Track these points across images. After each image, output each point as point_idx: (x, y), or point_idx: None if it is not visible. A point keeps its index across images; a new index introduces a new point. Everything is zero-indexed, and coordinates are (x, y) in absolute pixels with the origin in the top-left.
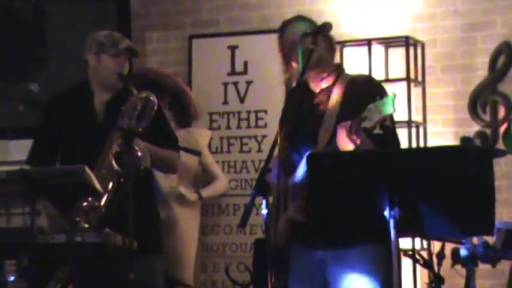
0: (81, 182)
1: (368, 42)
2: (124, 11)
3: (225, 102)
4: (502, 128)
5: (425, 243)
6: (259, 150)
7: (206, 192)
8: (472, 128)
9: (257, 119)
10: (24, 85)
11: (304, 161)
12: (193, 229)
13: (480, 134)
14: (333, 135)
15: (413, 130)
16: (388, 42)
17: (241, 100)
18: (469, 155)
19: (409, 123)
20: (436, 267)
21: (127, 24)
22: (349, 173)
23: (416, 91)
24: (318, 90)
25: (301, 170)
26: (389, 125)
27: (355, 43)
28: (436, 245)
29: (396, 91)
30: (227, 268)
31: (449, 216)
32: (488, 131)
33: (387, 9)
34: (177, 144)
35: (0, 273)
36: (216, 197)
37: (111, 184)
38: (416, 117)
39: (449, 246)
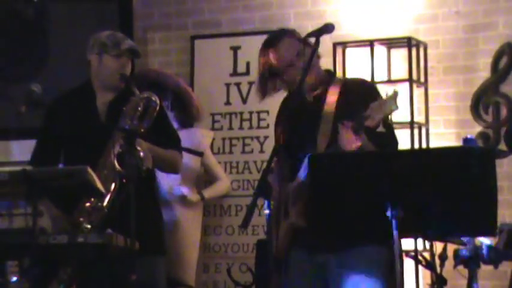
0: (83, 182)
1: (370, 43)
2: (126, 12)
3: (227, 103)
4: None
5: (427, 244)
6: (262, 151)
7: (208, 193)
8: (474, 129)
9: (259, 119)
10: (26, 86)
11: (304, 165)
12: (195, 230)
13: (482, 135)
14: (331, 139)
15: (416, 131)
16: (391, 43)
17: (244, 101)
18: (471, 156)
19: (411, 124)
20: (438, 268)
21: (129, 24)
22: (351, 174)
23: (418, 92)
24: (311, 96)
25: (301, 174)
26: (390, 123)
27: (357, 44)
28: (438, 246)
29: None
30: (229, 269)
31: (452, 217)
32: (490, 131)
33: (389, 10)
34: (179, 144)
35: (2, 274)
36: (218, 198)
37: (113, 185)
38: (419, 118)
39: (451, 247)
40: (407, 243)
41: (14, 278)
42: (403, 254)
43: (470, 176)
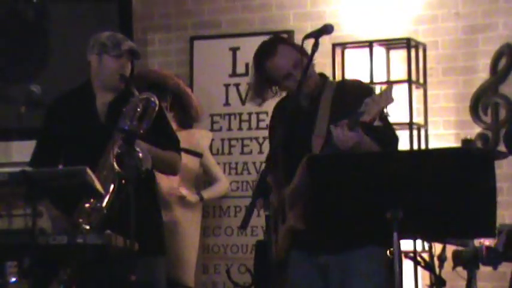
0: (82, 183)
1: (369, 44)
2: (126, 13)
3: (226, 104)
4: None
5: (426, 245)
6: (261, 152)
7: (207, 194)
8: (474, 130)
9: (258, 120)
10: (25, 86)
11: (300, 167)
12: (194, 231)
13: (481, 136)
14: (326, 140)
15: (415, 132)
16: (390, 44)
17: (243, 102)
18: (471, 157)
19: (410, 125)
20: (437, 269)
21: (129, 25)
22: (350, 174)
23: (417, 93)
24: (307, 99)
25: (297, 176)
26: (386, 117)
27: (357, 45)
28: (438, 247)
29: (397, 93)
30: (228, 270)
31: (451, 218)
32: (489, 133)
33: (389, 11)
34: (178, 146)
35: (1, 275)
36: (217, 199)
37: (112, 186)
38: (418, 119)
39: (450, 248)
40: (406, 244)
41: (14, 279)
42: (402, 255)
43: (470, 177)
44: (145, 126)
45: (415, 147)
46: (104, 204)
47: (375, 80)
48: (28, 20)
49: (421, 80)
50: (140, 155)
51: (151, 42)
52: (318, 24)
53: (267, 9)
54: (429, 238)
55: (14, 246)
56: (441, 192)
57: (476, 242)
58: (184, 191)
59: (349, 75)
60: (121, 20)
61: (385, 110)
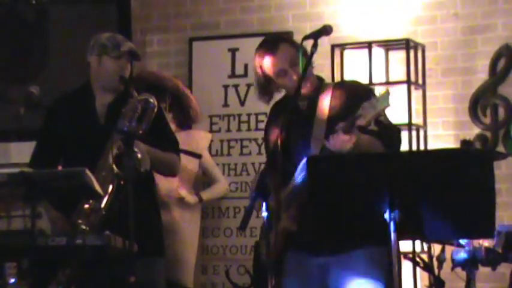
0: (81, 184)
1: (368, 45)
2: (125, 14)
3: (225, 105)
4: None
5: (425, 246)
6: (260, 153)
7: (206, 195)
8: (473, 131)
9: (257, 121)
10: (25, 87)
11: (299, 169)
12: (193, 231)
13: (480, 137)
14: (325, 143)
15: (414, 133)
16: (389, 45)
17: (242, 103)
18: (470, 158)
19: (409, 126)
20: (436, 270)
21: (127, 26)
22: (349, 175)
23: (416, 94)
24: (304, 102)
25: (296, 177)
26: (383, 120)
27: (356, 46)
28: (436, 248)
29: (396, 94)
30: (227, 271)
31: (450, 219)
32: (488, 133)
33: (388, 12)
34: (177, 147)
35: (1, 276)
36: (216, 200)
37: (111, 186)
38: (417, 120)
39: (449, 249)
40: (405, 245)
41: (13, 280)
42: (401, 256)
43: (468, 178)
44: (144, 128)
45: (414, 148)
46: (103, 205)
47: (373, 81)
48: (27, 20)
49: (420, 81)
50: (139, 155)
51: (150, 44)
52: (317, 25)
53: (265, 10)
54: (428, 239)
55: (13, 247)
56: (440, 193)
57: (475, 243)
58: (183, 192)
59: (348, 76)
60: (120, 21)
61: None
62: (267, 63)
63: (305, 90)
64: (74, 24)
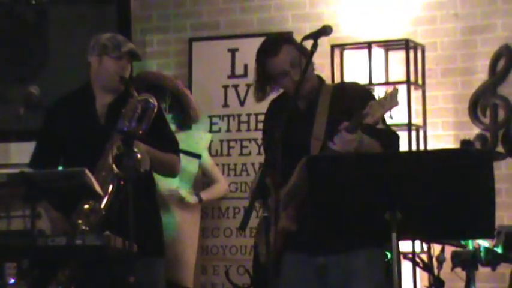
0: (81, 184)
1: (368, 45)
2: (124, 14)
3: (225, 105)
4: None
5: (425, 246)
6: (259, 153)
7: (206, 195)
8: (472, 131)
9: (257, 122)
10: (24, 88)
11: (297, 169)
12: (193, 232)
13: (480, 137)
14: (324, 143)
15: (414, 133)
16: (389, 45)
17: (242, 103)
18: (469, 158)
19: (409, 126)
20: (436, 270)
21: (127, 27)
22: (349, 175)
23: (416, 94)
24: (304, 102)
25: (293, 178)
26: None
27: (355, 46)
28: (436, 248)
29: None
30: (227, 271)
31: (450, 219)
32: (488, 134)
33: (387, 12)
34: (177, 147)
35: (0, 276)
36: (216, 200)
37: (111, 187)
38: (417, 120)
39: (449, 249)
40: (405, 245)
41: (12, 280)
42: (401, 256)
43: (468, 178)
44: (144, 128)
45: (414, 148)
46: (103, 205)
47: (373, 81)
48: (27, 21)
49: (420, 81)
50: (139, 156)
51: (149, 44)
52: (317, 26)
53: (265, 10)
54: (428, 239)
55: (12, 247)
56: (440, 193)
57: (475, 243)
58: (183, 192)
59: (348, 77)
60: (120, 21)
61: (388, 113)
62: (269, 63)
63: (305, 90)
64: (74, 25)
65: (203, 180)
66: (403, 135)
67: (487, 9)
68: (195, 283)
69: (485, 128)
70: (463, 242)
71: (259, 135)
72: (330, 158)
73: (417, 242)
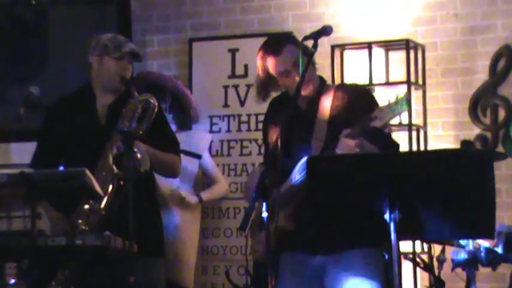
0: (81, 185)
1: (368, 46)
2: (124, 14)
3: (226, 105)
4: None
5: (425, 246)
6: (260, 153)
7: (206, 195)
8: (473, 131)
9: (257, 122)
10: (25, 88)
11: (297, 168)
12: (193, 232)
13: (480, 137)
14: (325, 144)
15: (414, 133)
16: (389, 46)
17: (242, 103)
18: (470, 158)
19: (409, 126)
20: (436, 271)
21: (127, 27)
22: (349, 176)
23: (416, 94)
24: (305, 102)
25: (293, 177)
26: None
27: (356, 46)
28: (437, 248)
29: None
30: (227, 271)
31: (450, 220)
32: (488, 134)
33: (388, 12)
34: (177, 148)
35: (0, 276)
36: (217, 200)
37: (111, 187)
38: (417, 120)
39: (449, 250)
40: (405, 246)
41: (13, 280)
42: (401, 256)
43: (468, 179)
44: (145, 128)
45: (414, 148)
46: (103, 205)
47: (374, 82)
48: (27, 21)
49: (420, 81)
50: (139, 156)
51: (150, 44)
52: (317, 26)
53: (265, 10)
54: (428, 239)
55: (13, 247)
56: (440, 193)
57: (476, 243)
58: (183, 193)
59: (348, 77)
60: (120, 21)
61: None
62: (271, 63)
63: (307, 90)
64: (74, 25)
65: (203, 181)
66: (403, 136)
67: (487, 10)
68: (195, 283)
69: (486, 128)
70: (463, 242)
71: (259, 135)
72: (330, 158)
73: (417, 242)
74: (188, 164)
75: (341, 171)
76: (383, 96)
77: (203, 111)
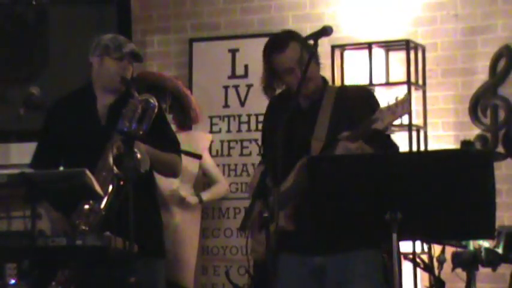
0: (81, 185)
1: (369, 46)
2: (125, 15)
3: (226, 106)
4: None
5: (425, 246)
6: (260, 154)
7: (206, 196)
8: (473, 132)
9: (257, 122)
10: (25, 88)
11: (296, 168)
12: (193, 232)
13: (481, 138)
14: (325, 145)
15: (414, 134)
16: (389, 46)
17: (242, 103)
18: (470, 159)
19: (409, 127)
20: (436, 271)
21: (127, 27)
22: (349, 176)
23: (416, 94)
24: (306, 101)
25: (292, 177)
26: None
27: (356, 46)
28: (437, 249)
29: (397, 95)
30: (227, 271)
31: (450, 220)
32: (488, 134)
33: (388, 13)
34: (178, 148)
35: (1, 277)
36: (217, 200)
37: (111, 187)
38: (417, 120)
39: (449, 250)
40: (405, 246)
41: (13, 281)
42: (402, 256)
43: (469, 179)
44: (145, 128)
45: (414, 148)
46: (103, 205)
47: (374, 82)
48: (27, 22)
49: (420, 82)
50: (139, 156)
51: (150, 44)
52: (317, 26)
53: (265, 11)
54: (428, 239)
55: (13, 248)
56: (440, 193)
57: (476, 244)
58: (183, 193)
59: (349, 77)
60: (120, 22)
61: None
62: (276, 60)
63: (309, 89)
64: (74, 25)
65: (203, 181)
66: (403, 136)
67: (487, 10)
68: (195, 283)
69: (486, 129)
70: (463, 243)
71: (259, 135)
72: (331, 159)
73: (418, 243)
74: (188, 164)
75: (341, 171)
76: (383, 97)
77: (203, 111)
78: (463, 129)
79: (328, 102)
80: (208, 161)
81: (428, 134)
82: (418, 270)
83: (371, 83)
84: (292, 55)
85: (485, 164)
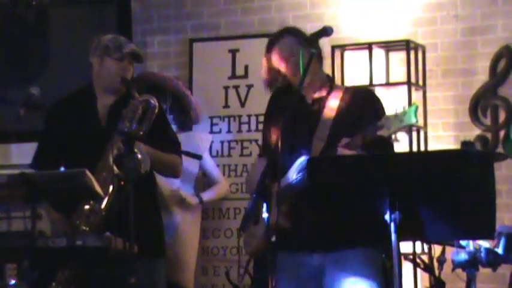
0: (82, 185)
1: (369, 46)
2: (125, 15)
3: (226, 106)
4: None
5: (426, 247)
6: (260, 154)
7: (207, 196)
8: (473, 132)
9: (258, 122)
10: (25, 89)
11: (295, 166)
12: (193, 233)
13: (481, 138)
14: (327, 144)
15: (414, 134)
16: (389, 46)
17: (242, 104)
18: (470, 159)
19: (409, 127)
20: (436, 271)
21: (128, 28)
22: (349, 176)
23: (417, 95)
24: (311, 99)
25: (290, 175)
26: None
27: (356, 47)
28: (437, 249)
29: (397, 95)
30: (228, 272)
31: (450, 220)
32: (489, 135)
33: (388, 13)
34: (178, 148)
35: (1, 277)
36: (217, 201)
37: (111, 187)
38: None
39: (449, 250)
40: (405, 246)
41: (13, 281)
42: (402, 257)
43: (469, 179)
44: (145, 129)
45: (414, 149)
46: (103, 206)
47: (374, 82)
48: (28, 22)
49: (420, 82)
50: (139, 156)
51: (150, 45)
52: (317, 27)
53: (266, 11)
54: (428, 240)
55: (13, 248)
56: (440, 194)
57: (476, 244)
58: (183, 193)
59: (349, 77)
60: (120, 22)
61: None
62: (272, 55)
63: (313, 87)
64: (74, 26)
65: (204, 181)
66: (403, 136)
67: (488, 10)
68: (195, 284)
69: (486, 129)
70: (463, 243)
71: (260, 136)
72: (331, 159)
73: (418, 243)
74: (188, 164)
75: (341, 171)
76: (383, 97)
77: (204, 112)
78: (463, 130)
79: (333, 103)
80: (208, 161)
81: (429, 134)
82: (418, 270)
83: (371, 84)
84: (284, 46)
85: (486, 164)
